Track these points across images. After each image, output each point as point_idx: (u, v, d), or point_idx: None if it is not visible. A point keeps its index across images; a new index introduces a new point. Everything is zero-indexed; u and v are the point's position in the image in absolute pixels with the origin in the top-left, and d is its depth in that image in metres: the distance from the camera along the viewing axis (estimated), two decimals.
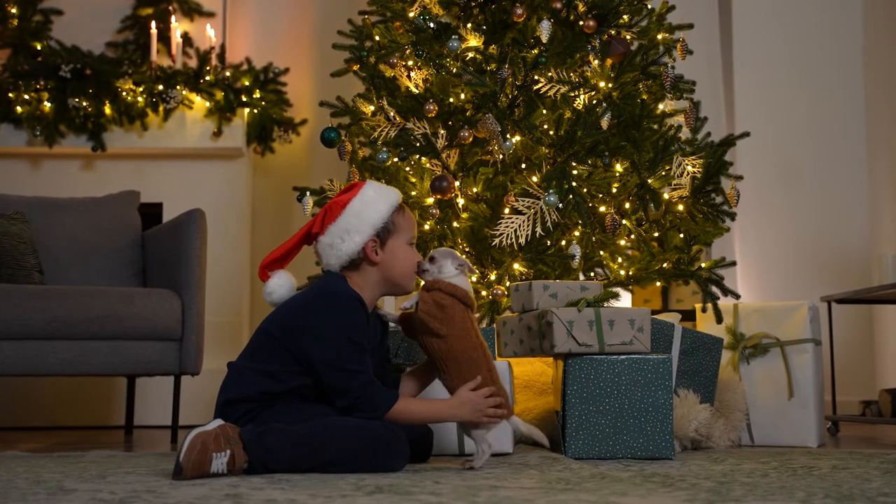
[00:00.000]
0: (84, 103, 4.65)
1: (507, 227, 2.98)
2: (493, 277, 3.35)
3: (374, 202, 2.32)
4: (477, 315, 3.46)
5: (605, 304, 2.78)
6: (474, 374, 2.28)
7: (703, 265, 3.31)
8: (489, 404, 2.27)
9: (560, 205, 2.97)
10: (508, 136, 3.04)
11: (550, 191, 2.93)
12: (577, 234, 3.26)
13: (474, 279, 3.40)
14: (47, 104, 4.64)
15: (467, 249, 3.39)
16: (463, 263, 2.36)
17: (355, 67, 3.42)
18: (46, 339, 3.45)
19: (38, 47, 4.80)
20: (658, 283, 3.41)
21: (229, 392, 2.29)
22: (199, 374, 3.74)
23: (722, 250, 4.30)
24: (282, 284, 2.38)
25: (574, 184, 2.98)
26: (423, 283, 2.36)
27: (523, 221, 2.99)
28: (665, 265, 3.31)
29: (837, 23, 5.15)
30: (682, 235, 3.35)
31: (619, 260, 3.60)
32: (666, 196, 3.13)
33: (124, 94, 4.69)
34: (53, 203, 4.09)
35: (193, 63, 4.90)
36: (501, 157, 3.03)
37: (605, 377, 2.73)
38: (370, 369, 2.27)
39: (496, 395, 2.29)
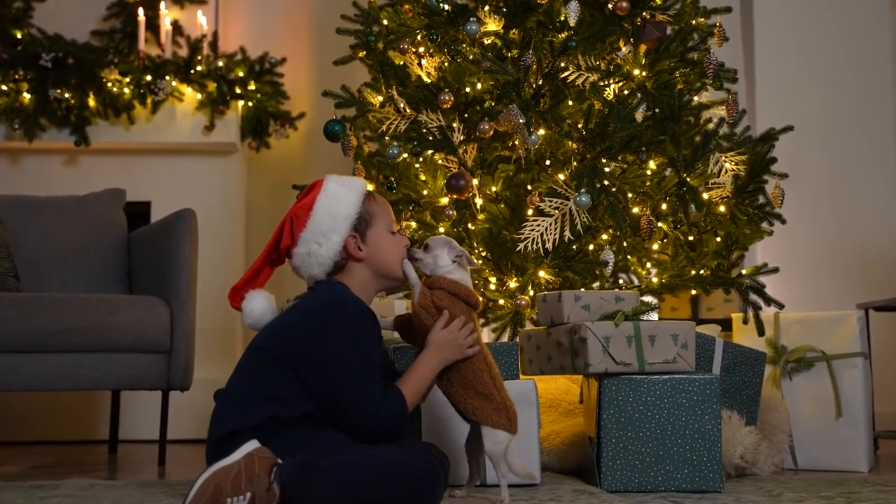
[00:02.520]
0: (66, 95, 4.36)
1: (533, 230, 2.68)
2: (512, 285, 3.05)
3: (341, 196, 2.11)
4: (495, 325, 3.16)
5: (645, 317, 2.49)
6: (476, 379, 2.12)
7: (743, 272, 3.01)
8: (466, 334, 2.09)
9: (590, 206, 2.67)
10: (532, 129, 2.73)
11: (582, 190, 2.63)
12: (604, 237, 2.96)
13: (491, 286, 3.10)
14: (27, 95, 4.35)
15: (484, 254, 3.09)
16: (461, 254, 2.15)
17: (361, 54, 3.12)
18: (21, 353, 3.14)
19: (19, 35, 4.48)
20: (693, 292, 3.11)
21: (227, 422, 2.00)
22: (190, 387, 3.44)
23: (748, 255, 4.02)
24: (260, 302, 2.14)
25: (605, 182, 2.68)
26: (424, 279, 2.16)
27: (550, 224, 2.69)
28: (702, 272, 3.01)
29: (866, 13, 4.85)
30: (718, 239, 3.05)
31: (648, 266, 3.31)
32: (705, 196, 2.83)
33: (110, 84, 4.41)
34: (31, 202, 3.78)
35: (184, 52, 4.62)
36: (524, 152, 2.72)
37: (646, 399, 2.44)
38: (381, 387, 2.01)
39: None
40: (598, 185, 2.66)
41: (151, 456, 3.56)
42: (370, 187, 2.15)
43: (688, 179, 2.75)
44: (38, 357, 3.18)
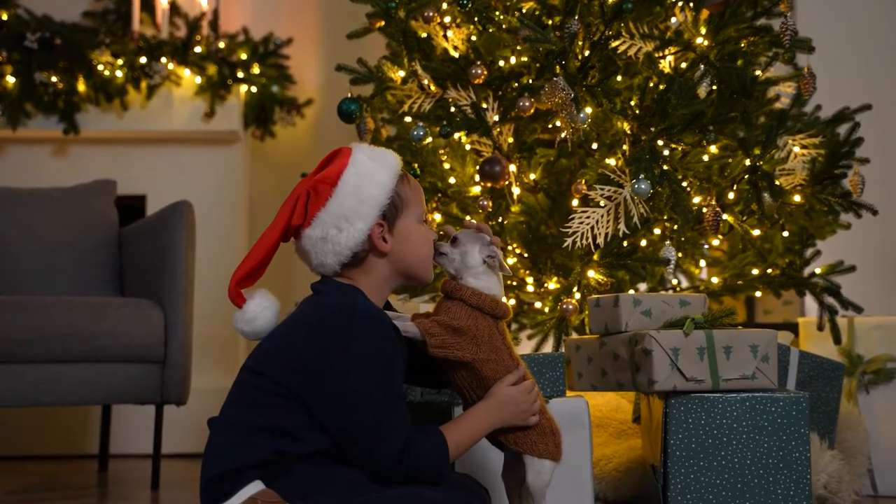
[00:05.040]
0: (53, 78, 4.01)
1: (582, 223, 2.31)
2: (551, 286, 2.68)
3: (372, 172, 1.71)
4: (531, 332, 2.79)
5: (720, 325, 2.12)
6: None
7: (817, 271, 2.64)
8: (532, 401, 1.74)
9: (649, 194, 2.30)
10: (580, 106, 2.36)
11: (640, 176, 2.26)
12: (657, 231, 2.59)
13: (528, 288, 2.73)
14: (10, 79, 4.01)
15: (518, 251, 2.72)
16: (494, 254, 1.77)
17: (379, 24, 2.74)
18: None
19: (4, 17, 4.13)
20: (758, 293, 2.74)
21: (223, 459, 1.63)
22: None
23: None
24: (266, 308, 1.75)
25: (665, 167, 2.31)
26: (441, 284, 1.79)
27: (602, 216, 2.32)
28: (770, 270, 2.63)
29: None
30: (786, 234, 2.68)
31: (703, 264, 2.94)
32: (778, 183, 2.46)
33: (101, 67, 4.06)
34: (11, 195, 3.42)
35: (182, 34, 4.28)
36: (571, 133, 2.34)
37: (720, 422, 2.08)
38: (408, 420, 1.65)
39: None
40: (658, 171, 2.29)
41: (144, 475, 3.22)
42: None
43: (761, 164, 2.38)
44: (15, 368, 2.84)
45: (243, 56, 4.23)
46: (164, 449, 3.17)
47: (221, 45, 4.22)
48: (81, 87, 4.06)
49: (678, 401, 2.08)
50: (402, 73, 2.66)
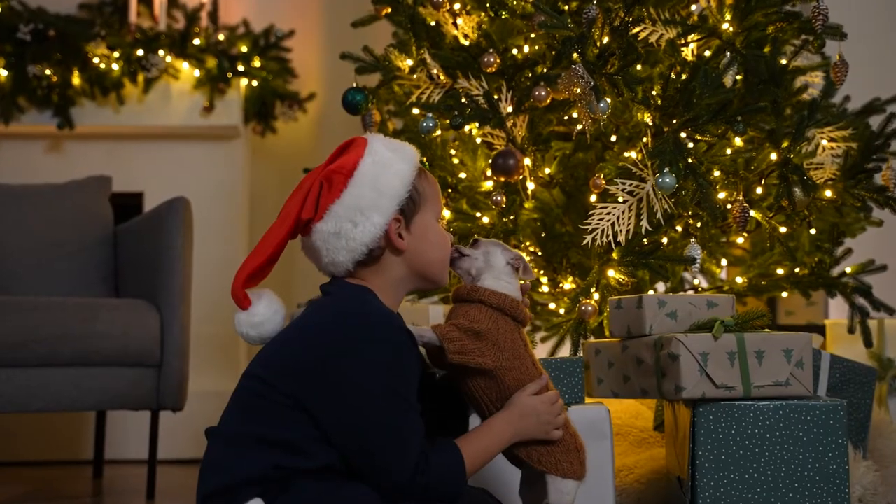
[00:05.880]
0: (47, 71, 3.90)
1: (603, 219, 2.17)
2: (566, 286, 2.55)
3: (390, 163, 1.58)
4: (544, 334, 2.66)
5: (750, 328, 1.98)
6: None
7: (847, 270, 2.51)
8: (556, 413, 1.60)
9: (674, 189, 2.17)
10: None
11: (665, 169, 2.12)
12: (679, 228, 2.45)
13: (543, 289, 2.60)
14: (3, 72, 3.89)
15: (532, 249, 2.58)
16: (517, 257, 1.65)
17: (386, 11, 2.61)
18: None
19: None
20: (784, 294, 2.60)
21: (221, 473, 1.50)
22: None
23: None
24: (276, 311, 1.62)
25: (690, 160, 2.17)
26: (455, 288, 1.65)
27: (623, 211, 2.18)
28: (797, 270, 2.50)
29: None
30: (813, 231, 2.55)
31: (724, 263, 2.81)
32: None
33: (96, 60, 3.94)
34: (2, 191, 3.30)
35: (180, 26, 4.15)
36: (590, 123, 2.21)
37: (752, 432, 1.95)
38: (424, 433, 1.51)
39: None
40: (682, 165, 2.15)
41: (140, 482, 3.09)
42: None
43: (791, 157, 2.24)
44: (3, 373, 2.71)
45: (243, 48, 4.11)
46: (161, 454, 3.04)
47: (221, 37, 4.10)
48: (76, 80, 3.95)
49: (707, 409, 1.95)
50: (409, 62, 2.52)
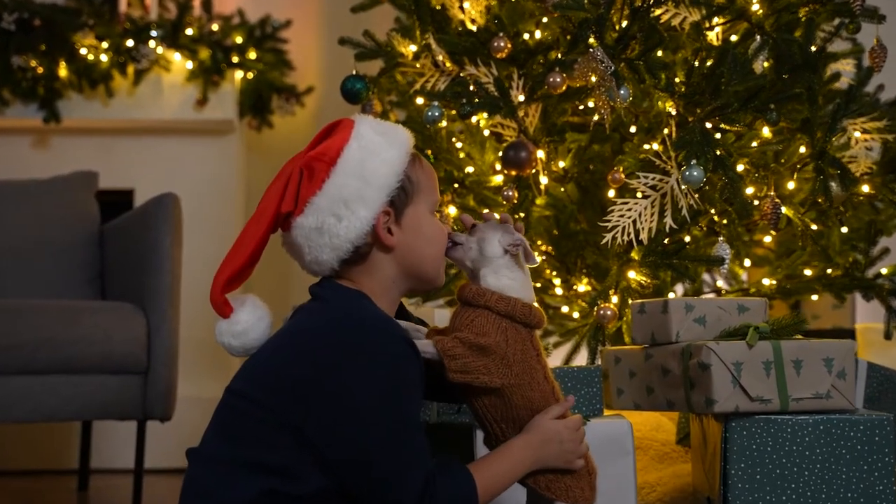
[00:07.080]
0: (33, 63, 3.77)
1: (623, 215, 2.00)
2: (580, 288, 2.38)
3: (379, 147, 1.41)
4: (557, 339, 2.50)
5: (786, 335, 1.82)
6: None
7: (883, 271, 2.34)
8: (580, 439, 1.45)
9: (701, 183, 2.00)
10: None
11: (693, 162, 1.95)
12: (703, 225, 2.29)
13: (556, 290, 2.43)
14: None
15: (545, 248, 2.41)
16: (518, 242, 1.47)
17: None
18: None
19: None
20: (814, 297, 2.44)
21: (206, 500, 1.34)
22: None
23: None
24: (261, 318, 1.47)
25: (718, 152, 2.01)
26: (459, 287, 1.49)
27: (646, 207, 2.01)
28: (830, 271, 2.33)
29: None
30: (845, 229, 2.38)
31: (748, 263, 2.64)
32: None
33: (84, 51, 3.82)
34: None
35: (172, 15, 4.02)
36: (609, 112, 2.04)
37: (790, 449, 1.78)
38: (429, 454, 1.35)
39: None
40: (710, 157, 1.98)
41: (126, 493, 2.93)
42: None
43: (828, 149, 2.07)
44: None
45: (238, 39, 4.00)
46: (148, 463, 2.90)
47: (215, 27, 3.98)
48: (63, 72, 3.83)
49: (739, 423, 1.78)
50: (413, 48, 2.36)
